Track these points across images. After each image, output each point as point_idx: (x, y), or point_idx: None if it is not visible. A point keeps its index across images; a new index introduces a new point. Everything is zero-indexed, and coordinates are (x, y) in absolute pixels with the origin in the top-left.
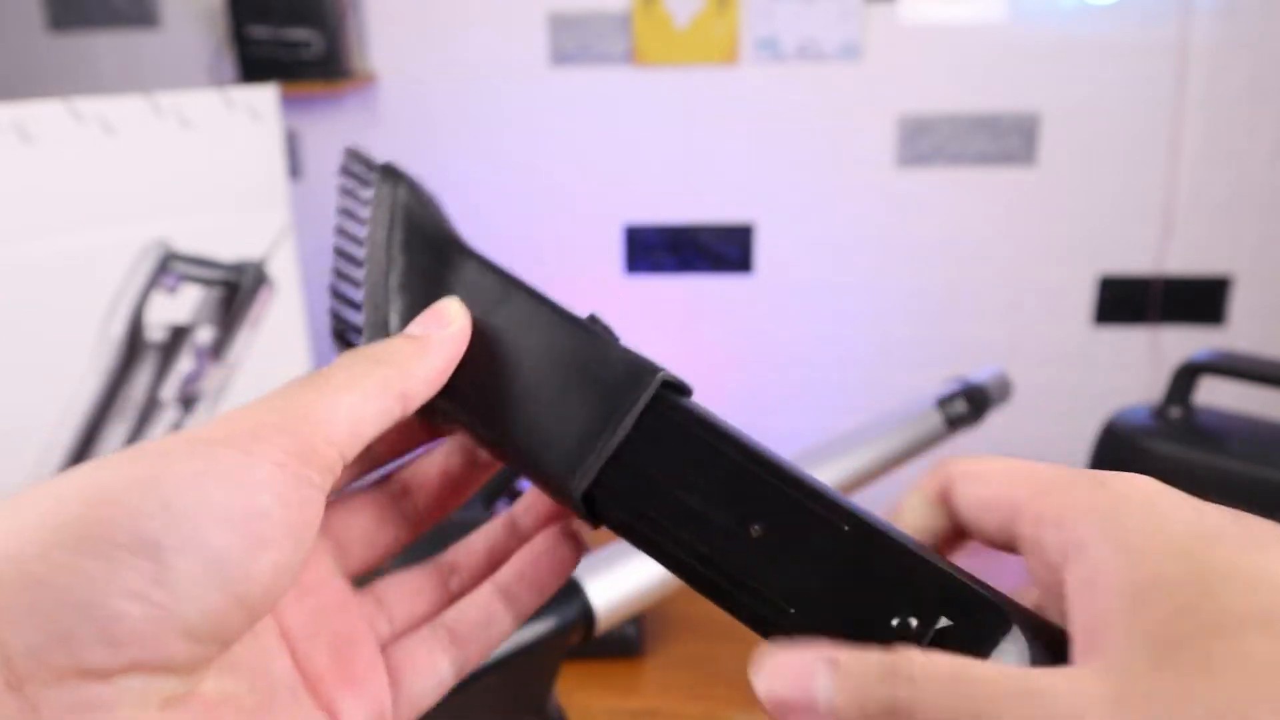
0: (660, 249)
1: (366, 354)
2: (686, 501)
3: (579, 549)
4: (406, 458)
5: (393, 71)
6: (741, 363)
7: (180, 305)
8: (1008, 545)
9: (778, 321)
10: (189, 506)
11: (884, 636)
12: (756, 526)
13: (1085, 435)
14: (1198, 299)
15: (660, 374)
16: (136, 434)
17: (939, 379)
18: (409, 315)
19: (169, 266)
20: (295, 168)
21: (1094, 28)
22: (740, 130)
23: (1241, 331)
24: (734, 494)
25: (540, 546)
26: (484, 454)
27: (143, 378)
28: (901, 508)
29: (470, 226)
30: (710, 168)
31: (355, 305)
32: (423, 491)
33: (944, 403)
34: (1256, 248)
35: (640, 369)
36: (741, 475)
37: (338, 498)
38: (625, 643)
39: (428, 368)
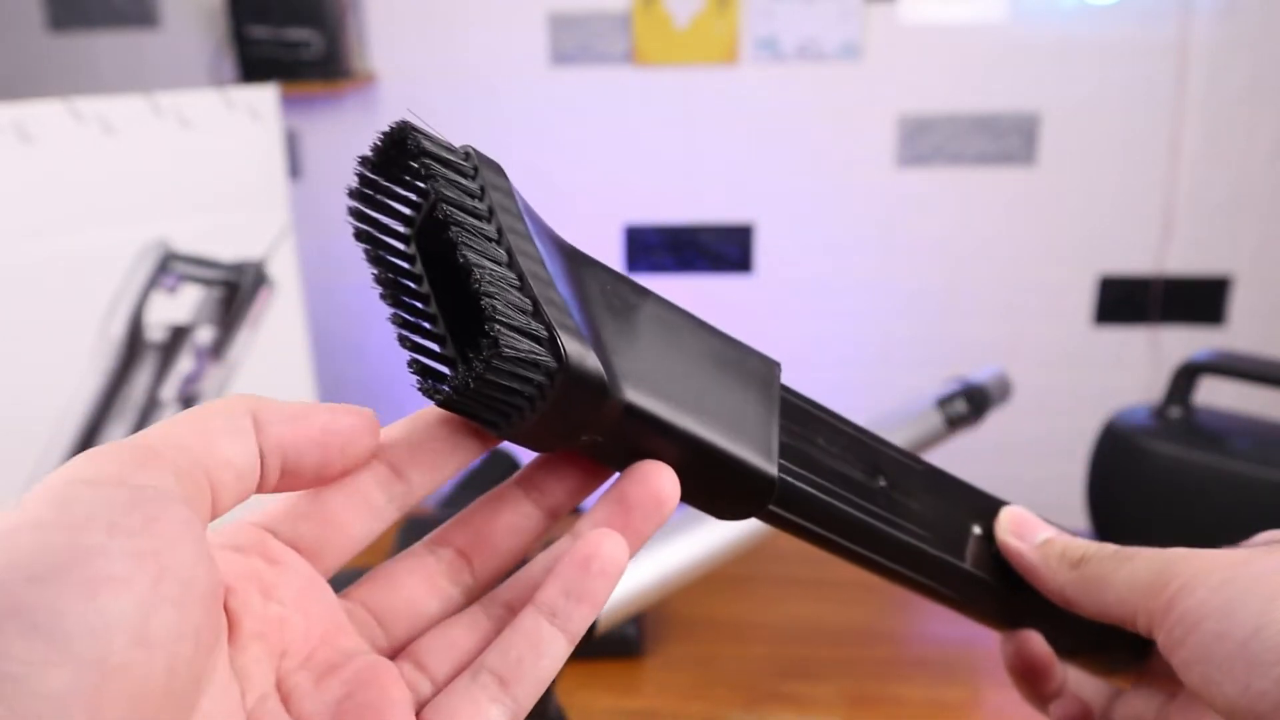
0: (660, 249)
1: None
2: (833, 465)
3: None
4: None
5: (393, 71)
6: None
7: (180, 305)
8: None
9: (778, 321)
10: None
11: (967, 542)
12: (881, 479)
13: (1085, 435)
14: (1198, 299)
15: (776, 363)
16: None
17: (939, 379)
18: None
19: (169, 266)
20: (295, 168)
21: (1094, 28)
22: (740, 130)
23: (1241, 332)
24: (856, 456)
25: (586, 549)
26: (566, 494)
27: (143, 378)
28: None
29: None
30: (710, 168)
31: (518, 334)
32: (482, 557)
33: (944, 403)
34: (1256, 248)
35: (763, 357)
36: (854, 441)
37: (380, 567)
38: (625, 643)
39: (300, 411)
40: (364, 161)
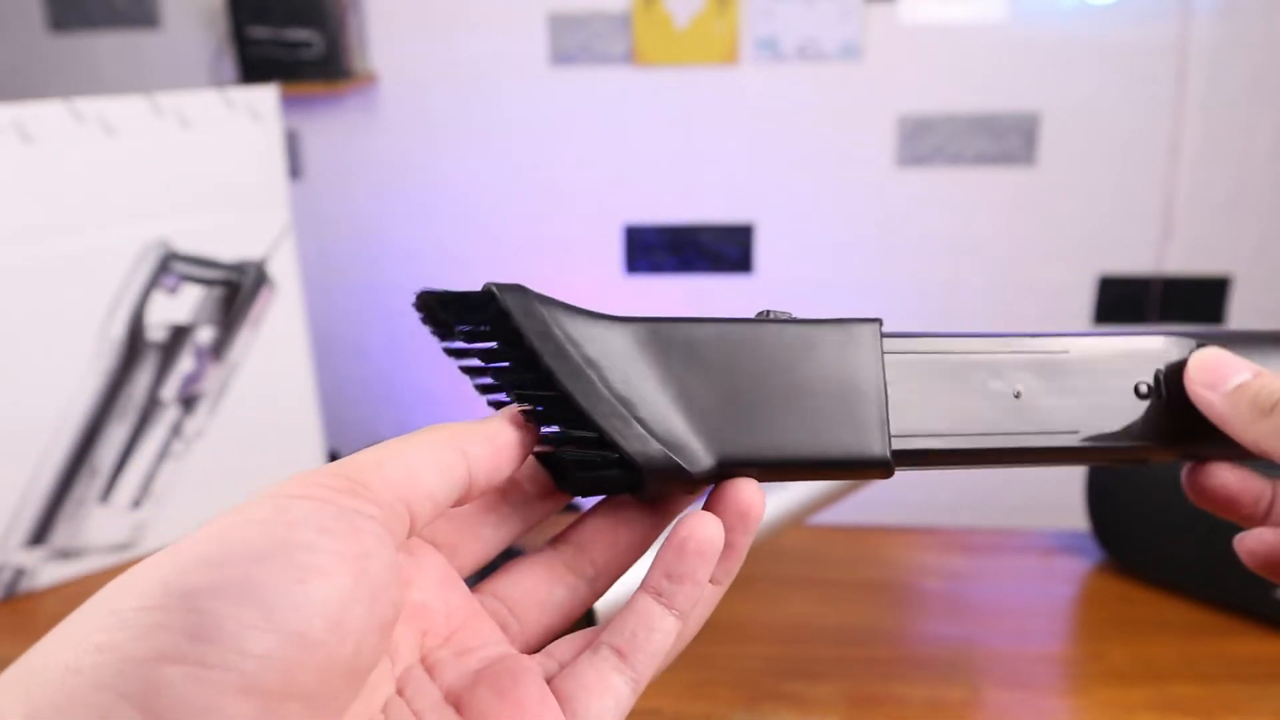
0: (660, 249)
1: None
2: (958, 404)
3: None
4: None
5: (393, 72)
6: None
7: (180, 305)
8: None
9: None
10: (221, 555)
11: (1134, 411)
12: (1018, 389)
13: None
14: (1197, 299)
15: (875, 326)
16: (137, 434)
17: None
18: (677, 432)
19: (169, 266)
20: (295, 168)
21: (1094, 28)
22: (740, 130)
23: None
24: (983, 380)
25: (681, 533)
26: (668, 493)
27: (143, 378)
28: None
29: (471, 227)
30: (710, 168)
31: (633, 456)
32: (598, 547)
33: None
34: (1256, 248)
35: (855, 328)
36: (977, 364)
37: (507, 564)
38: None
39: (492, 431)
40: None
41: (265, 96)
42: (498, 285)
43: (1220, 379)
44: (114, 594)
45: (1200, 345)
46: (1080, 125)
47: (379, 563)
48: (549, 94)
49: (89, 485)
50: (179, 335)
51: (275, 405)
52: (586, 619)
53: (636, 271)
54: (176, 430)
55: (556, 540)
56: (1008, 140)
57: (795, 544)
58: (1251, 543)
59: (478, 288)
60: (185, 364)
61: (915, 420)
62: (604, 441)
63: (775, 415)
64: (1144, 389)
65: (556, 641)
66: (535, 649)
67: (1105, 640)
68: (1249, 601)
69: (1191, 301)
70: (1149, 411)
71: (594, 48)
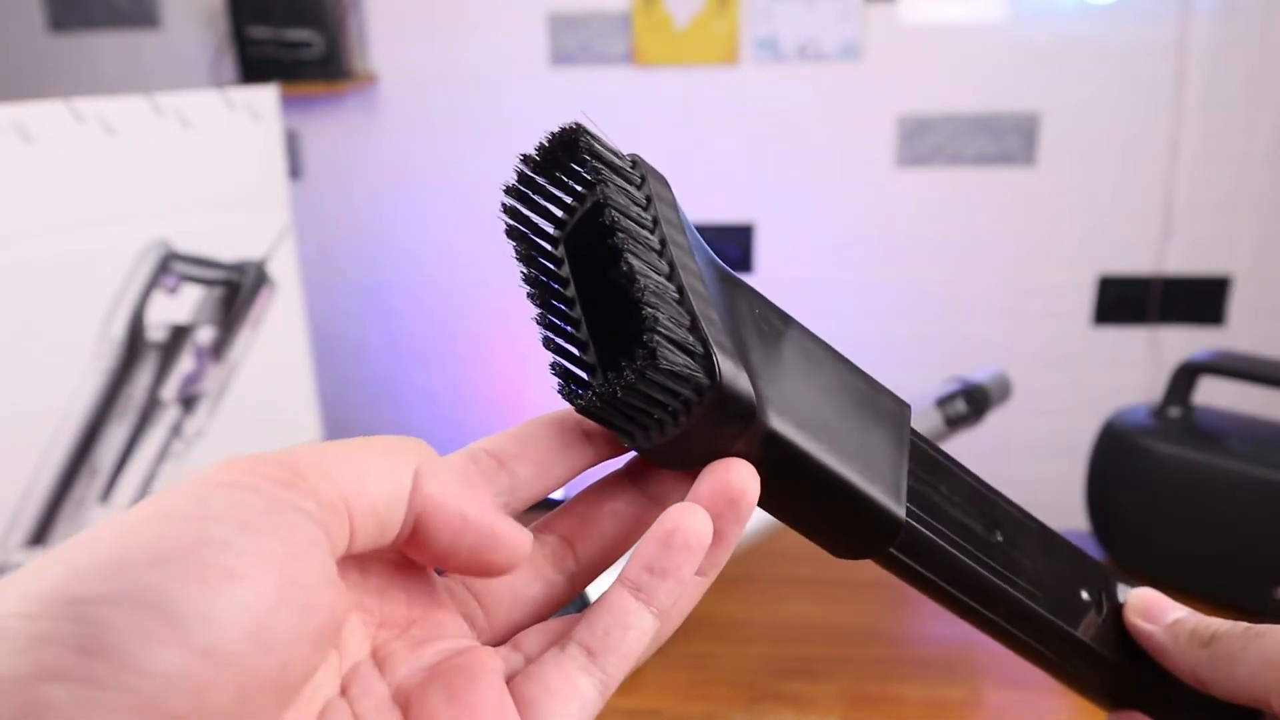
0: None
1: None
2: (955, 515)
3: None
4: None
5: (393, 72)
6: None
7: (181, 305)
8: None
9: None
10: (121, 556)
11: (1079, 608)
12: (998, 534)
13: (1085, 435)
14: (1197, 299)
15: (906, 405)
16: (137, 434)
17: (939, 379)
18: (735, 362)
19: (169, 266)
20: (295, 168)
21: (1094, 28)
22: (740, 130)
23: (1241, 331)
24: (976, 508)
25: (667, 524)
26: (672, 481)
27: (143, 378)
28: None
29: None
30: (710, 168)
31: (676, 354)
32: (582, 541)
33: (944, 403)
34: (1256, 248)
35: (896, 398)
36: (974, 492)
37: None
38: None
39: (458, 464)
40: (526, 160)
41: (265, 96)
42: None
43: (1158, 613)
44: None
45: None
46: (1080, 125)
47: (313, 566)
48: (549, 94)
49: (89, 485)
50: (179, 335)
51: (275, 405)
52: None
53: None
54: (176, 430)
55: (538, 530)
56: (1008, 140)
57: (795, 544)
58: None
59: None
60: (185, 364)
61: (926, 503)
62: (690, 337)
63: (826, 427)
64: (1087, 597)
65: (524, 632)
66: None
67: None
68: (1249, 601)
69: (1191, 301)
70: (1096, 617)
71: (594, 48)
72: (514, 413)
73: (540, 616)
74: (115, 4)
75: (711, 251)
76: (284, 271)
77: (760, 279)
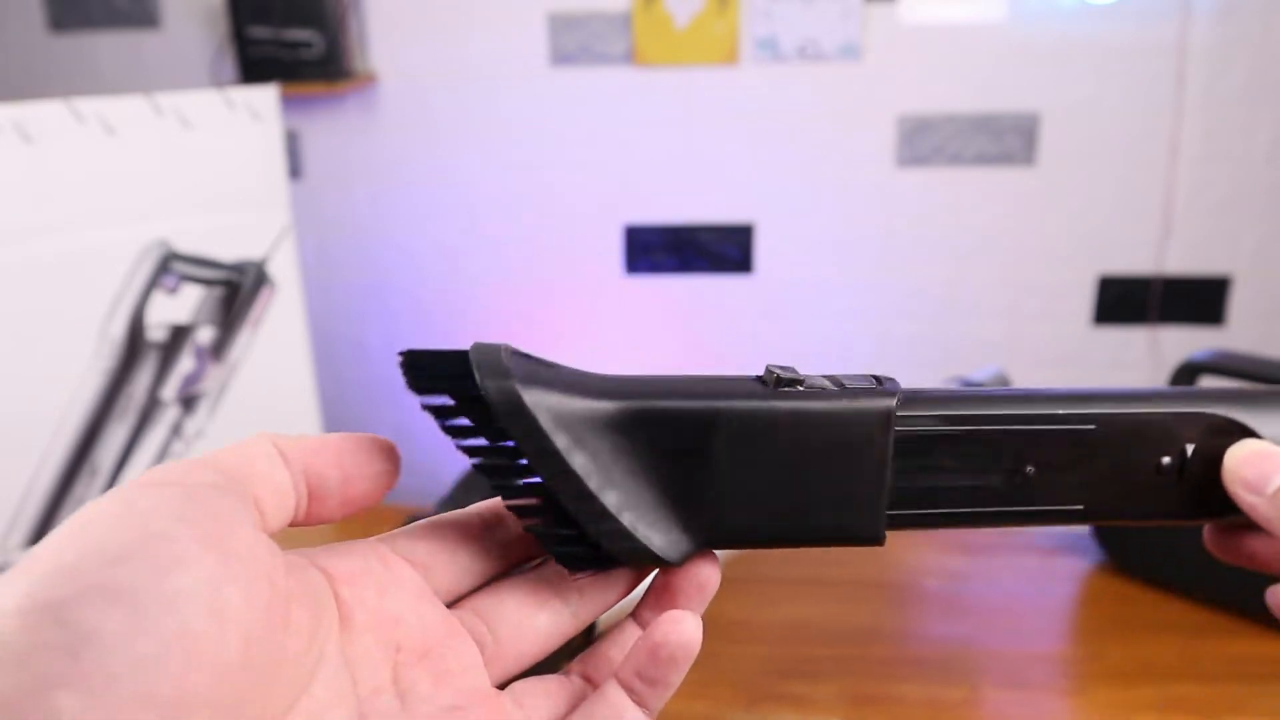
0: (660, 249)
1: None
2: (962, 483)
3: (696, 629)
4: None
5: (393, 72)
6: (741, 363)
7: (181, 305)
8: None
9: (778, 321)
10: (76, 559)
11: (1152, 482)
12: (1030, 468)
13: None
14: (1197, 299)
15: (889, 408)
16: (137, 434)
17: (939, 379)
18: (644, 518)
19: (169, 266)
20: (295, 168)
21: (1094, 28)
22: (740, 130)
23: (1241, 331)
24: (996, 458)
25: (654, 637)
26: None
27: (143, 378)
28: None
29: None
30: (710, 168)
31: (618, 552)
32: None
33: None
34: (1255, 248)
35: (871, 407)
36: (993, 441)
37: (497, 581)
38: None
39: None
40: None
41: (265, 96)
42: (479, 366)
43: (1263, 480)
44: None
45: (1232, 424)
46: (1080, 125)
47: (242, 538)
48: (549, 94)
49: (89, 485)
50: (179, 335)
51: (275, 405)
52: (589, 627)
53: (636, 271)
54: (176, 430)
55: (546, 561)
56: (1008, 140)
57: None
58: None
59: (460, 346)
60: (185, 364)
61: (917, 494)
62: (584, 536)
63: (767, 499)
64: (1165, 465)
65: (522, 683)
66: (509, 673)
67: (1105, 640)
68: (1249, 601)
69: (1191, 301)
70: (1167, 487)
71: (594, 48)
72: None
73: (548, 646)
74: (115, 4)
75: (602, 382)
76: (284, 271)
77: (760, 279)
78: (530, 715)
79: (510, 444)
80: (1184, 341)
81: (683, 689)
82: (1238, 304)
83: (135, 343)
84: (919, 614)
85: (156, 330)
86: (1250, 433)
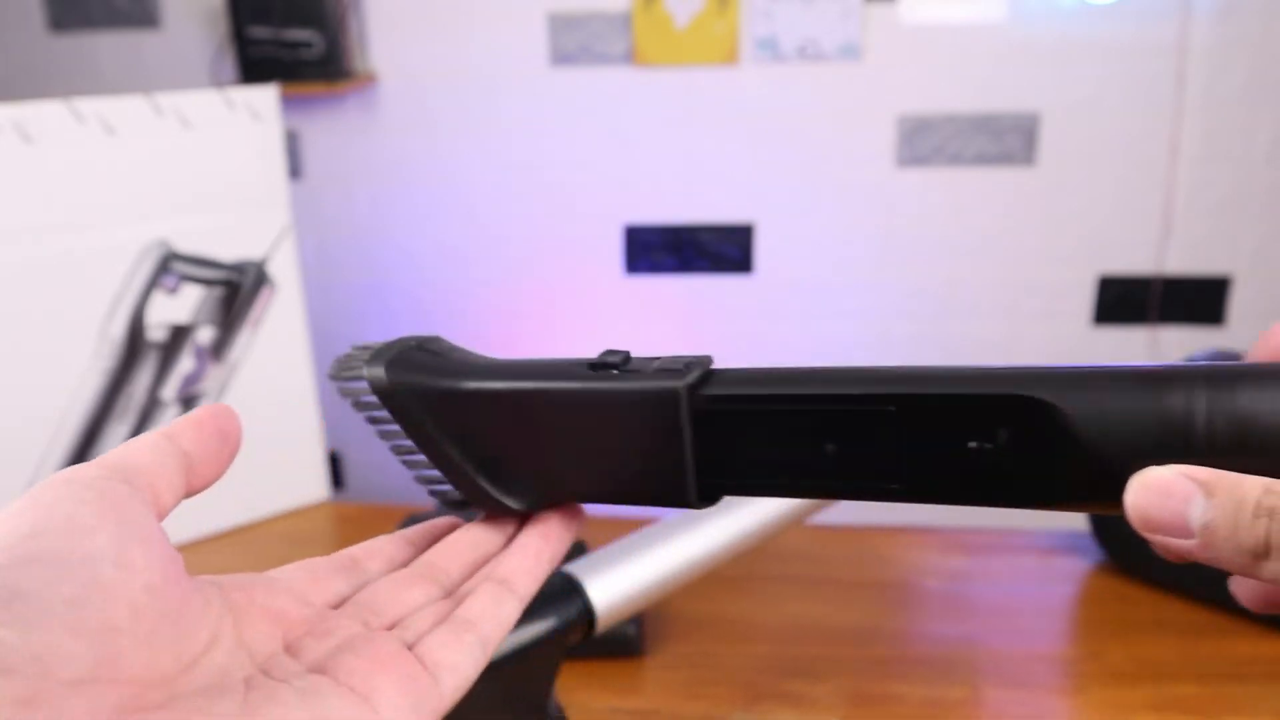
0: (660, 249)
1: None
2: (769, 455)
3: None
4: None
5: (393, 72)
6: (741, 363)
7: (181, 305)
8: None
9: (778, 321)
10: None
11: (968, 464)
12: (830, 445)
13: None
14: (1197, 299)
15: (676, 389)
16: (137, 434)
17: None
18: (496, 477)
19: (170, 266)
20: (295, 168)
21: (1094, 28)
22: (740, 130)
23: (1241, 332)
24: (796, 434)
25: (537, 536)
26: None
27: (143, 378)
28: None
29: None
30: (710, 168)
31: (456, 499)
32: (448, 561)
33: None
34: (1255, 248)
35: (656, 392)
36: (793, 419)
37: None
38: (625, 642)
39: (199, 417)
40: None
41: (265, 96)
42: (369, 360)
43: (1180, 520)
44: None
45: (1035, 403)
46: (1080, 125)
47: (136, 514)
48: (549, 94)
49: None
50: (179, 335)
51: (275, 405)
52: (587, 621)
53: (636, 271)
54: None
55: (414, 556)
56: (1008, 140)
57: (795, 544)
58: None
59: (393, 337)
60: (185, 364)
61: (732, 464)
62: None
63: (590, 464)
64: (975, 449)
65: (410, 618)
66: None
67: (1105, 640)
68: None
69: (1191, 301)
70: (986, 470)
71: (594, 48)
72: None
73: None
74: (115, 4)
75: (462, 379)
76: (284, 271)
77: (760, 279)
78: (415, 631)
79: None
80: (1184, 341)
81: (683, 688)
82: (1238, 304)
83: (135, 343)
84: (919, 614)
85: (156, 330)
86: (1057, 411)
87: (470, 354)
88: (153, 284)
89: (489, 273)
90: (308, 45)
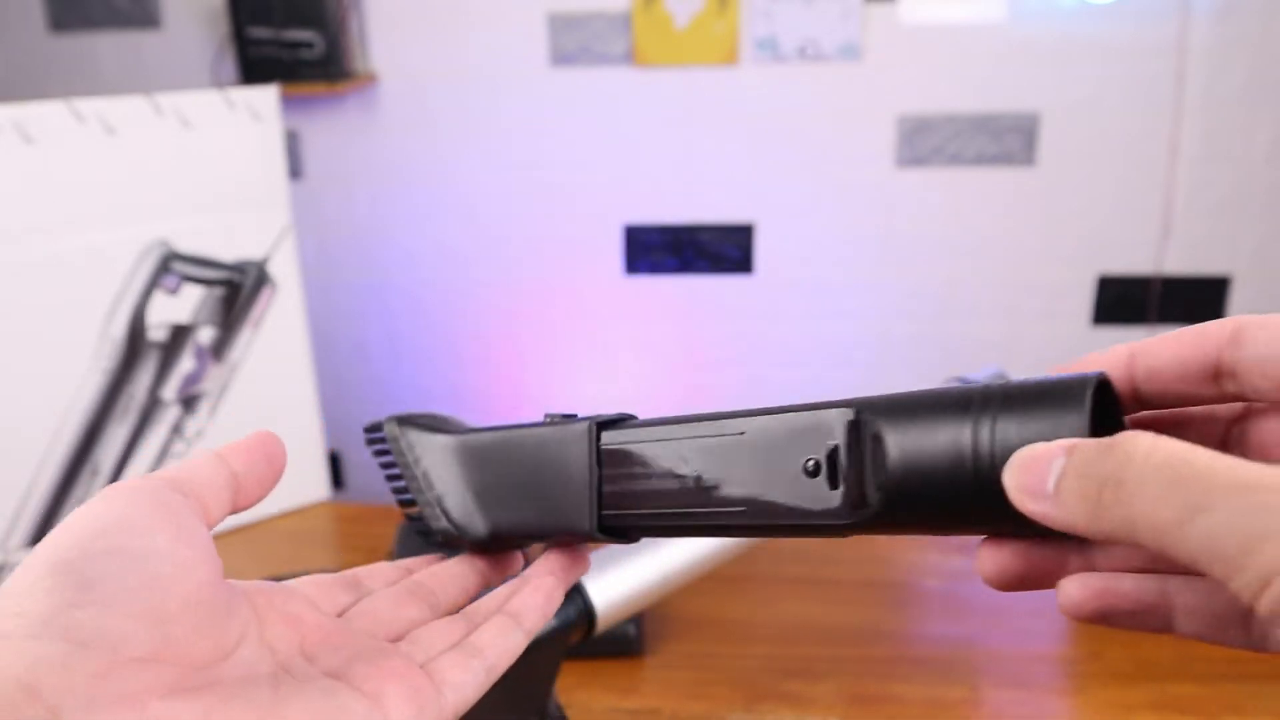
0: (660, 249)
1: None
2: (654, 488)
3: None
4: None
5: (393, 72)
6: (741, 363)
7: (181, 305)
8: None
9: (778, 321)
10: (75, 538)
11: (802, 483)
12: (691, 475)
13: None
14: (1197, 299)
15: (588, 427)
16: (138, 433)
17: (939, 379)
18: (466, 513)
19: (170, 266)
20: (295, 168)
21: (1094, 28)
22: (740, 130)
23: None
24: (674, 464)
25: (548, 576)
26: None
27: (144, 377)
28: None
29: (470, 226)
30: (710, 168)
31: (440, 530)
32: (447, 590)
33: None
34: (1255, 248)
35: (578, 430)
36: (672, 452)
37: (367, 597)
38: (625, 642)
39: (249, 443)
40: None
41: (265, 96)
42: (386, 421)
43: (1040, 482)
44: (8, 587)
45: (859, 414)
46: (1080, 125)
47: (189, 521)
48: (549, 94)
49: (90, 485)
50: (179, 335)
51: (275, 405)
52: (587, 620)
53: (636, 271)
54: (177, 430)
55: (409, 579)
56: (1007, 140)
57: (795, 544)
58: (1075, 588)
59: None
60: (186, 364)
61: (624, 499)
62: (425, 519)
63: (523, 499)
64: (811, 466)
65: (417, 631)
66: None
67: (1104, 640)
68: None
69: (1190, 301)
70: (821, 488)
71: (594, 48)
72: (513, 411)
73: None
74: (115, 4)
75: (455, 431)
76: (284, 271)
77: (760, 279)
78: (427, 651)
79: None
80: None
81: (683, 688)
82: (1237, 304)
83: (136, 343)
84: (919, 614)
85: (157, 330)
86: (878, 430)
87: (461, 423)
88: (153, 284)
89: (489, 273)
90: (308, 45)
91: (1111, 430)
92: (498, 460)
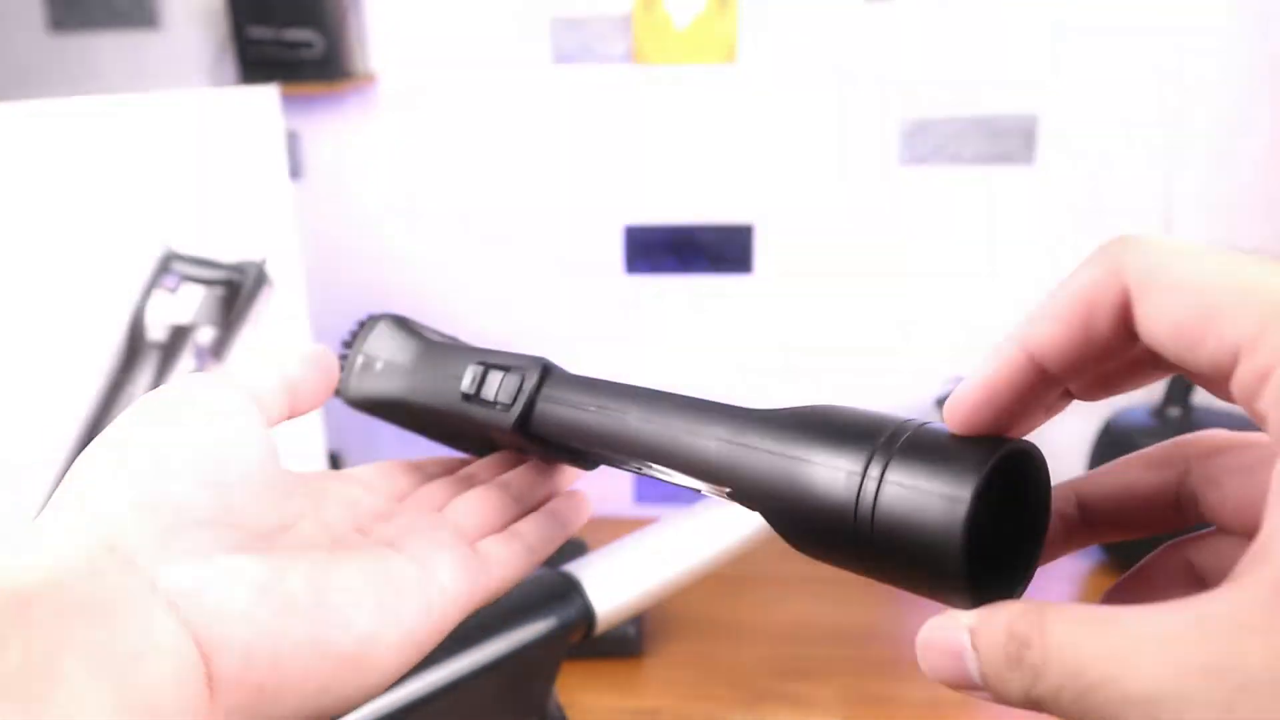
0: (660, 249)
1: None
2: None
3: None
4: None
5: (393, 72)
6: (741, 362)
7: (181, 305)
8: (1206, 376)
9: (778, 321)
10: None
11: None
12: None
13: (1085, 435)
14: None
15: (541, 362)
16: None
17: (939, 379)
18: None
19: (170, 266)
20: (296, 168)
21: (1094, 28)
22: (740, 130)
23: None
24: (605, 403)
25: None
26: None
27: (144, 378)
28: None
29: (470, 226)
30: (710, 168)
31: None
32: (523, 484)
33: (943, 402)
34: (1255, 248)
35: (532, 361)
36: (594, 386)
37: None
38: (625, 642)
39: (305, 353)
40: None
41: (266, 97)
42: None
43: (968, 680)
44: (79, 467)
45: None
46: (1080, 125)
47: (246, 408)
48: (550, 93)
49: None
50: (179, 335)
51: None
52: (587, 621)
53: (636, 271)
54: None
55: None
56: (1007, 140)
57: None
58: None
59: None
60: (186, 364)
61: (545, 420)
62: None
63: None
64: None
65: (468, 506)
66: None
67: None
68: None
69: None
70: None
71: (594, 48)
72: None
73: (496, 528)
74: (115, 4)
75: (425, 337)
76: (284, 271)
77: (760, 279)
78: (473, 521)
79: None
80: None
81: (683, 688)
82: None
83: (135, 343)
84: (919, 614)
85: (156, 330)
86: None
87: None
88: (153, 284)
89: (489, 272)
90: (308, 45)
91: (1023, 501)
92: (434, 359)
